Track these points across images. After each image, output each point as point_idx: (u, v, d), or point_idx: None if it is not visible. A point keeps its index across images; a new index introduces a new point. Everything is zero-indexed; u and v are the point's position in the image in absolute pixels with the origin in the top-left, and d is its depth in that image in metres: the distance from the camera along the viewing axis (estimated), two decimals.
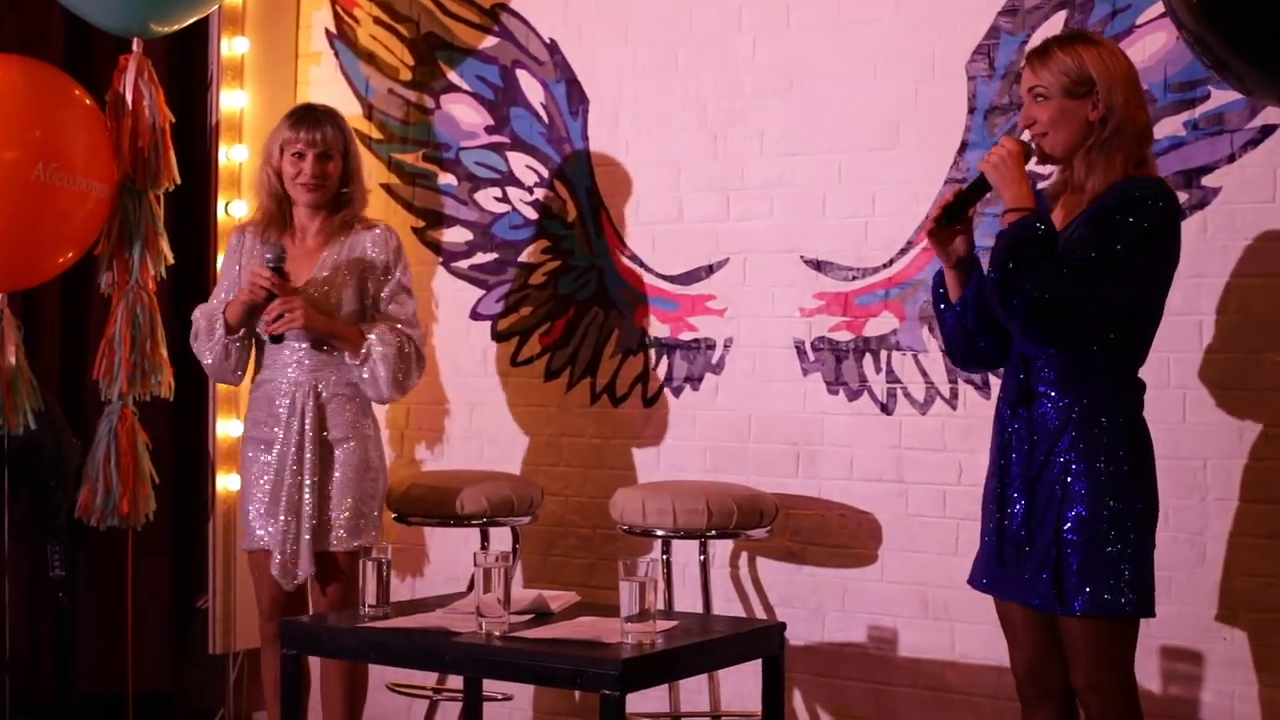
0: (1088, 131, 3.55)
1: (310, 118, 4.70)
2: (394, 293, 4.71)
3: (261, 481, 4.66)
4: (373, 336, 4.61)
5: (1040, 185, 3.77)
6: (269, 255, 4.55)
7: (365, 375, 4.64)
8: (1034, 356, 3.60)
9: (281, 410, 4.62)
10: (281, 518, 4.58)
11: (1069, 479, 3.51)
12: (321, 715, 4.76)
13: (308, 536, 4.58)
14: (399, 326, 4.66)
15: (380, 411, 4.96)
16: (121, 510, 5.01)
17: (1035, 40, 4.58)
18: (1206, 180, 4.42)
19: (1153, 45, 4.47)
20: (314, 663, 4.82)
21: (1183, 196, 4.36)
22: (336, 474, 4.64)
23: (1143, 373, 3.62)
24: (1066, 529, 3.49)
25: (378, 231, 4.74)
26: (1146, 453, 3.57)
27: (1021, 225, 3.50)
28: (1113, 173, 3.54)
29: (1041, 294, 3.43)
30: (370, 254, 4.70)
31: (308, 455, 4.60)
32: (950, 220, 3.71)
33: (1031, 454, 3.59)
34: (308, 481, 4.59)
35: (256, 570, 4.72)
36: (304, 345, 4.63)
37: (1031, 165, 3.67)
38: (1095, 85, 3.53)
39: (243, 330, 4.66)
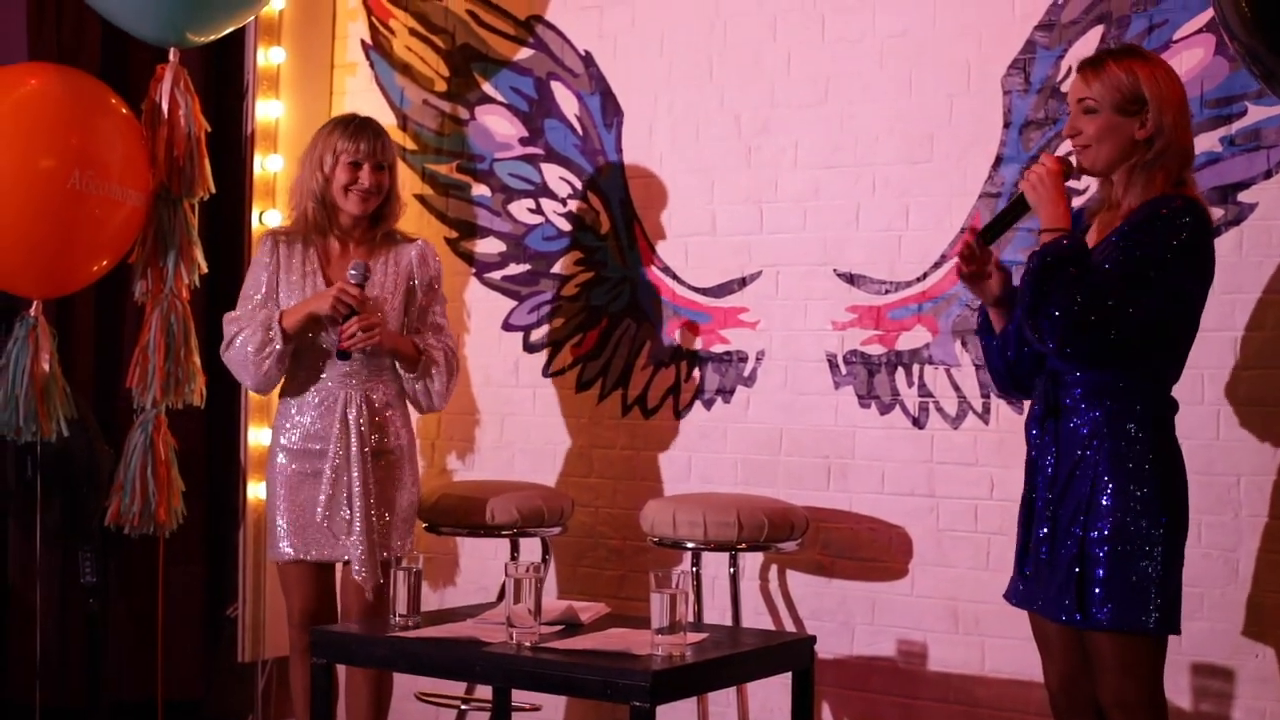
0: (1131, 150, 3.53)
1: (370, 129, 4.71)
2: (439, 305, 4.81)
3: (304, 494, 4.64)
4: (429, 349, 4.69)
5: (1077, 201, 3.75)
6: (353, 271, 4.54)
7: (419, 387, 4.71)
8: (1063, 372, 3.58)
9: (333, 423, 4.61)
10: (358, 530, 4.58)
11: (1095, 494, 3.48)
12: None
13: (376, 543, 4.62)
14: (443, 337, 4.76)
15: (411, 421, 4.95)
16: (159, 518, 5.02)
17: (1072, 55, 4.57)
18: (1242, 196, 4.40)
19: (1189, 61, 4.45)
20: (339, 671, 4.82)
21: (1218, 212, 4.35)
22: (391, 482, 4.68)
23: (1176, 389, 3.60)
24: (1091, 544, 3.47)
25: (421, 244, 4.81)
26: (1176, 470, 3.54)
27: (1053, 247, 3.48)
28: (1151, 192, 3.51)
29: (1069, 315, 3.40)
30: (418, 269, 4.76)
31: (369, 465, 4.61)
32: (990, 240, 3.70)
33: (1057, 468, 3.57)
34: (374, 491, 4.61)
35: (287, 581, 4.71)
36: (358, 358, 4.63)
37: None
38: (1147, 104, 3.49)
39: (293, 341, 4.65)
